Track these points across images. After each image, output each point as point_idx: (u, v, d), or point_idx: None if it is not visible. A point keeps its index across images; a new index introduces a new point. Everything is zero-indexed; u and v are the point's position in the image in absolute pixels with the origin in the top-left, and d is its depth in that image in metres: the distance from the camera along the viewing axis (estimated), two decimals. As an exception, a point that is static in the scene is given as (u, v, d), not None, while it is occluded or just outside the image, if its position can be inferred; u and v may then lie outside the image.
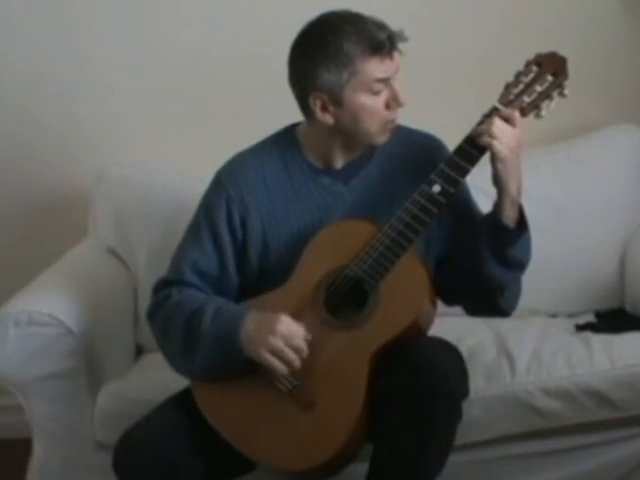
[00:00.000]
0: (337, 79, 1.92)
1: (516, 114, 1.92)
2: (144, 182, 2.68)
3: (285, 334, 1.88)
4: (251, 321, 1.91)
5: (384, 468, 1.88)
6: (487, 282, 1.99)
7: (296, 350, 1.88)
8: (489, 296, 2.03)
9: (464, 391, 2.02)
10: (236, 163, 2.08)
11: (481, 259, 1.97)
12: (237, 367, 1.93)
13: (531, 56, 1.98)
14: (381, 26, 1.93)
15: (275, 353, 1.88)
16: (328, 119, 1.97)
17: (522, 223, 1.97)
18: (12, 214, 2.94)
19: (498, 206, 1.96)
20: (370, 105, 1.95)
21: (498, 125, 1.90)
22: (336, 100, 1.94)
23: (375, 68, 1.92)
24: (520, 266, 2.02)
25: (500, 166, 1.91)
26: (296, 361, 1.88)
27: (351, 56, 1.91)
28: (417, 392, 1.81)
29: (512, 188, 1.93)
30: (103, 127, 2.86)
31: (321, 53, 1.92)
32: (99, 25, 2.81)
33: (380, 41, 1.91)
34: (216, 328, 1.93)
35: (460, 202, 2.07)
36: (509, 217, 1.95)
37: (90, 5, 2.81)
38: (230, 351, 1.91)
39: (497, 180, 1.93)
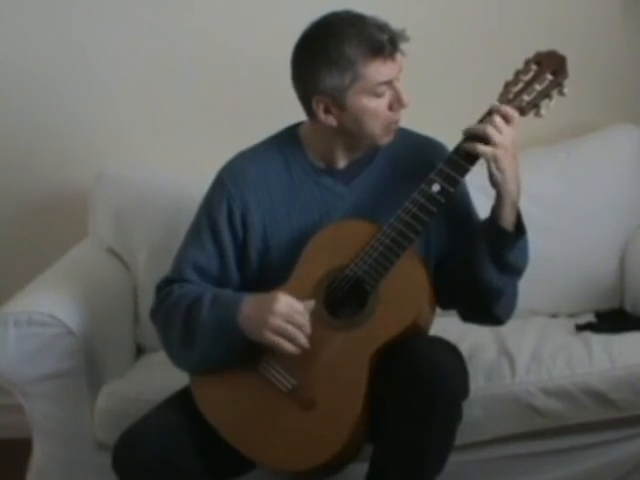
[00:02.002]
0: (339, 83, 1.91)
1: (498, 119, 1.90)
2: (144, 182, 2.69)
3: (284, 312, 1.86)
4: (249, 304, 1.91)
5: (384, 468, 1.89)
6: (483, 287, 1.98)
7: (298, 326, 1.87)
8: (485, 302, 2.02)
9: (464, 391, 2.01)
10: (237, 162, 2.08)
11: (478, 263, 1.96)
12: (237, 354, 1.92)
13: (531, 55, 1.98)
14: (382, 27, 1.92)
15: (277, 332, 1.87)
16: (331, 121, 1.96)
17: (520, 227, 1.96)
18: (12, 214, 2.94)
19: (496, 209, 1.95)
20: (373, 107, 1.94)
21: (496, 122, 1.89)
22: (339, 103, 1.94)
23: (377, 71, 1.91)
24: (517, 272, 2.01)
25: (493, 165, 1.90)
26: (300, 337, 1.87)
27: (353, 60, 1.90)
28: (417, 392, 1.81)
29: (511, 188, 1.92)
30: (103, 127, 2.86)
31: (323, 57, 1.91)
32: (99, 25, 2.81)
33: (381, 43, 1.90)
34: (215, 314, 1.93)
35: (459, 207, 2.07)
36: (508, 220, 1.94)
37: (90, 5, 2.81)
38: (230, 336, 1.91)
39: (493, 180, 1.92)
